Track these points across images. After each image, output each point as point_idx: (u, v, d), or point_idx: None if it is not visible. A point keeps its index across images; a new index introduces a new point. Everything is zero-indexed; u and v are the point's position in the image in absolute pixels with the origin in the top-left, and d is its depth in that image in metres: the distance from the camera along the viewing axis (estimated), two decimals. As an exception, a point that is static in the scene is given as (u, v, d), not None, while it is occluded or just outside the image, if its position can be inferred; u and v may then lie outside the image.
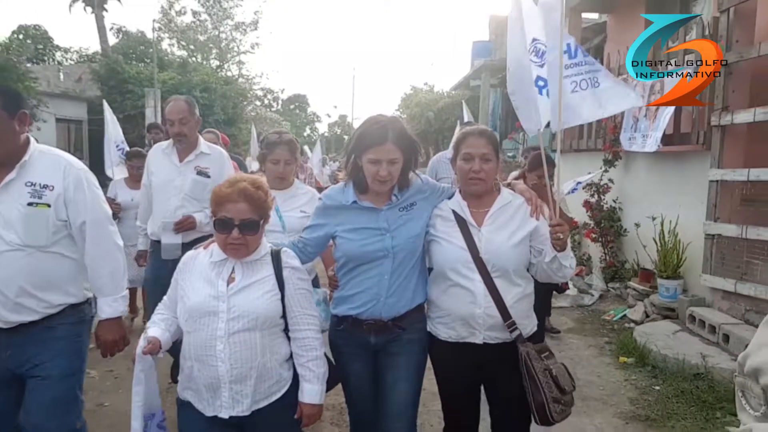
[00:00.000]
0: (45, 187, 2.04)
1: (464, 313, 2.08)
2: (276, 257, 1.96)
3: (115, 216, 4.29)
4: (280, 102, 41.54)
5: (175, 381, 2.44)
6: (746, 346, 3.65)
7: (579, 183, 5.39)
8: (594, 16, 9.37)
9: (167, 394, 2.07)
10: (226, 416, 1.85)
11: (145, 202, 3.67)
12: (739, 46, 4.69)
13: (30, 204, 2.01)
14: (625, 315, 5.70)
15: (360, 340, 2.16)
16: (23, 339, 2.06)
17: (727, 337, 4.36)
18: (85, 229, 2.12)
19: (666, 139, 5.54)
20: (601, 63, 4.00)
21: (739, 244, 4.69)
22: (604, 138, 6.58)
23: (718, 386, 3.80)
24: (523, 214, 2.15)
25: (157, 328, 1.94)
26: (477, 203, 2.17)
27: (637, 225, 6.04)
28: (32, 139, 2.12)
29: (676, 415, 3.53)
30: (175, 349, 2.07)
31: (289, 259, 1.99)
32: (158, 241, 3.45)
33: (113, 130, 6.41)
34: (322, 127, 49.94)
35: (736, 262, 4.74)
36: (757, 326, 4.33)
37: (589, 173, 5.85)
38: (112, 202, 4.58)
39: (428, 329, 2.22)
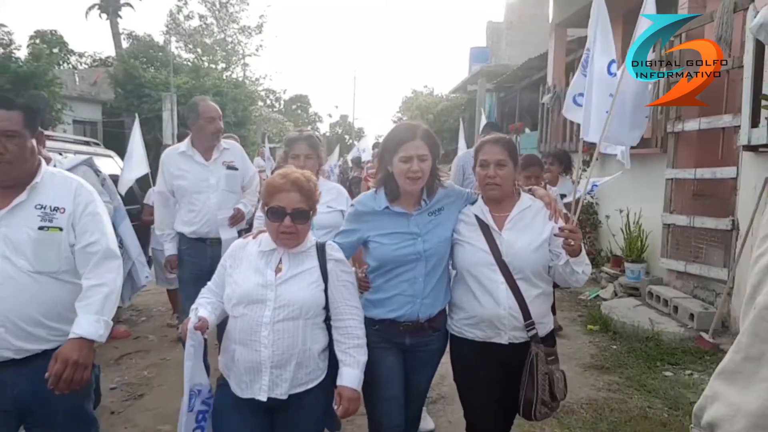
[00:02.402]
0: (56, 209, 1.92)
1: (490, 315, 2.12)
2: (321, 250, 2.02)
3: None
4: (282, 102, 42.31)
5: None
6: (696, 319, 4.73)
7: (595, 185, 6.02)
8: (580, 30, 10.20)
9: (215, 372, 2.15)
10: (264, 398, 1.88)
11: (162, 209, 3.59)
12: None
13: (41, 228, 1.87)
14: (597, 295, 6.58)
15: (394, 339, 2.20)
16: (33, 374, 1.83)
17: (676, 308, 5.27)
18: (89, 251, 1.95)
19: (632, 143, 6.39)
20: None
21: (689, 232, 5.58)
22: (584, 141, 7.39)
23: (663, 345, 4.70)
24: (543, 218, 2.19)
25: (204, 310, 1.95)
26: (498, 208, 2.21)
27: (608, 217, 6.95)
28: (43, 161, 2.03)
29: (625, 365, 4.42)
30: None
31: (334, 251, 2.04)
32: (197, 239, 3.43)
33: (133, 168, 5.61)
34: (324, 127, 50.51)
35: (687, 247, 5.64)
36: (702, 300, 5.24)
37: (591, 177, 6.33)
38: (150, 208, 4.62)
39: (452, 330, 2.27)
